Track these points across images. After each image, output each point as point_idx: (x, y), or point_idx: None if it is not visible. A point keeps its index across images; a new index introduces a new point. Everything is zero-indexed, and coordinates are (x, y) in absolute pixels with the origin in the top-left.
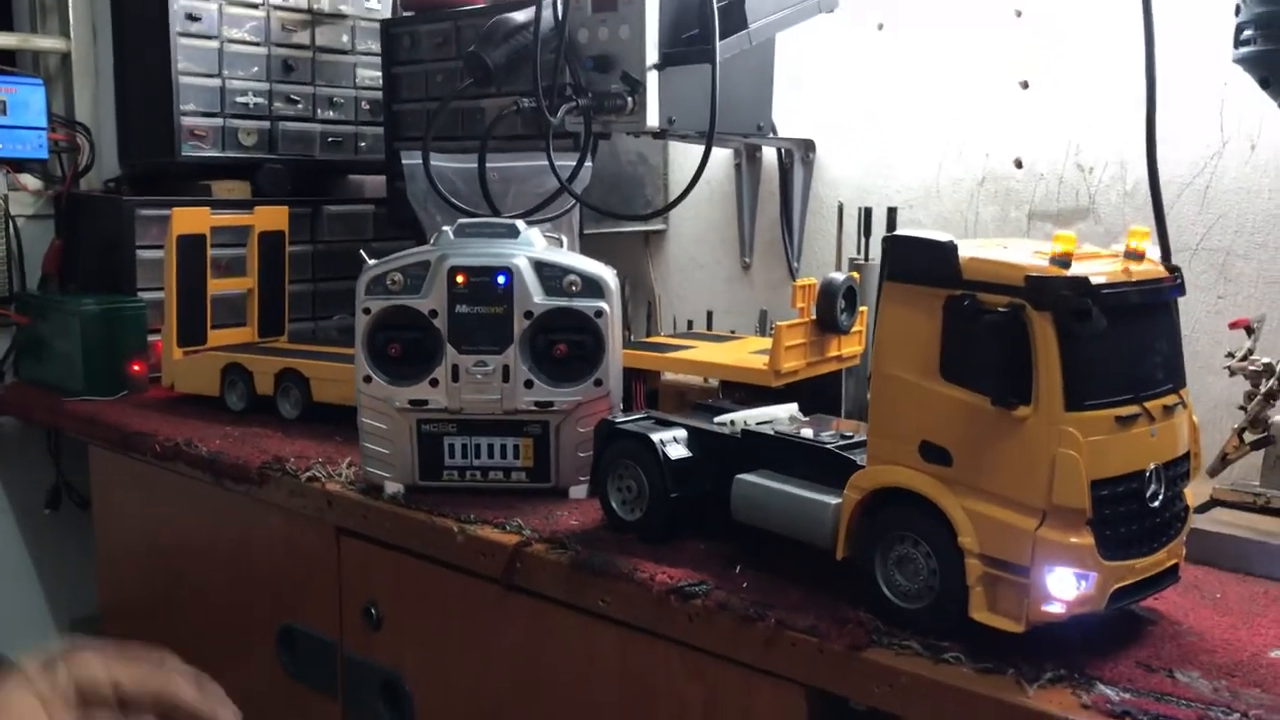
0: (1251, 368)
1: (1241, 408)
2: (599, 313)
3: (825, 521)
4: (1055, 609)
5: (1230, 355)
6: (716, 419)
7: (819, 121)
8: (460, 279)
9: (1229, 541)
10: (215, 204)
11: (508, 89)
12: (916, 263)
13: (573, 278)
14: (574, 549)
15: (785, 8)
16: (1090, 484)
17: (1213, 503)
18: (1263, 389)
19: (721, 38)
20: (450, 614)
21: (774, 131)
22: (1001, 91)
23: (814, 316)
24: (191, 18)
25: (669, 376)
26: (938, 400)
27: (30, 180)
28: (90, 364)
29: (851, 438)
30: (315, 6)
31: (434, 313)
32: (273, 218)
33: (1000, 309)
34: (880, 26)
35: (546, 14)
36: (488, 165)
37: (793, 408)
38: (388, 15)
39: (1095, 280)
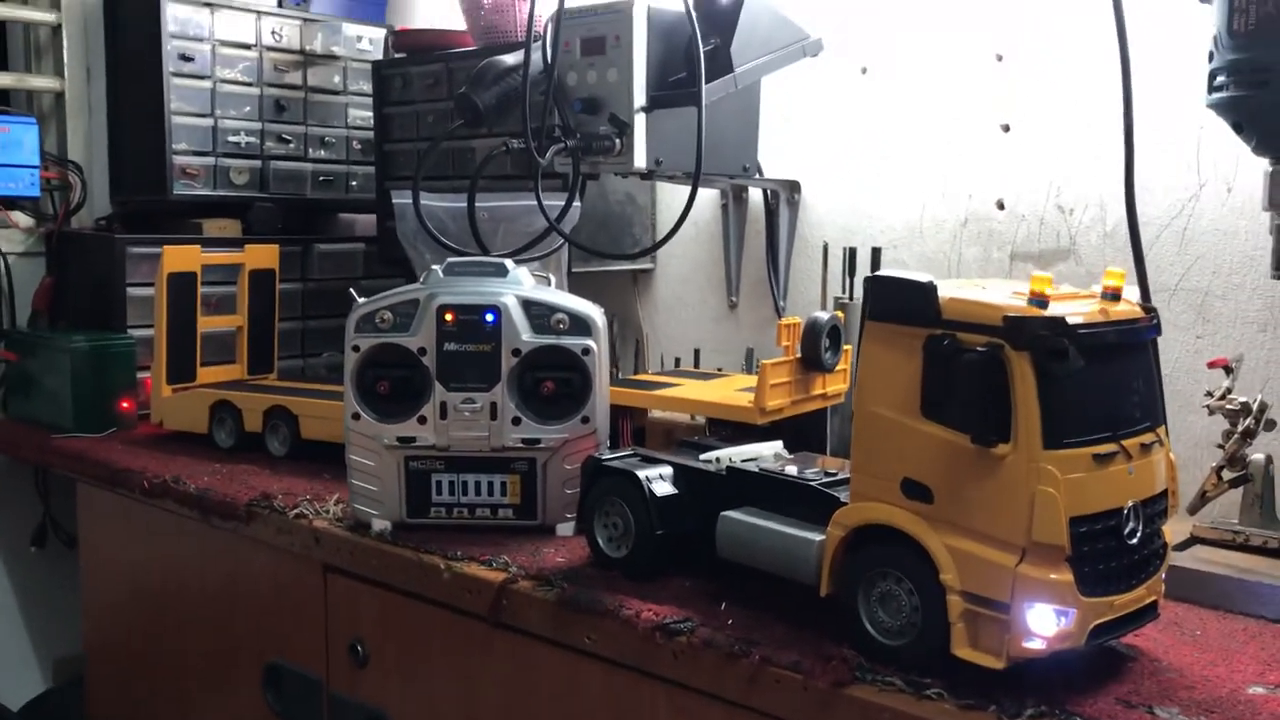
0: (1229, 406)
1: (1220, 446)
2: (586, 350)
3: (809, 558)
4: (1036, 645)
5: (1209, 394)
6: (702, 456)
7: (804, 163)
8: (449, 317)
9: (1209, 579)
10: (206, 242)
11: (498, 130)
12: (897, 303)
13: (560, 316)
14: (560, 586)
15: (770, 52)
16: (1069, 521)
17: (1193, 540)
18: (1240, 427)
19: (707, 81)
20: (436, 651)
21: (760, 173)
22: (983, 134)
23: (799, 355)
24: (185, 58)
25: (656, 414)
26: (919, 438)
27: (22, 218)
28: (79, 401)
29: (835, 475)
30: (308, 48)
31: (423, 350)
32: (263, 256)
33: (979, 348)
34: (864, 70)
35: (536, 57)
36: (477, 205)
37: (777, 445)
38: (380, 57)
39: (1072, 320)
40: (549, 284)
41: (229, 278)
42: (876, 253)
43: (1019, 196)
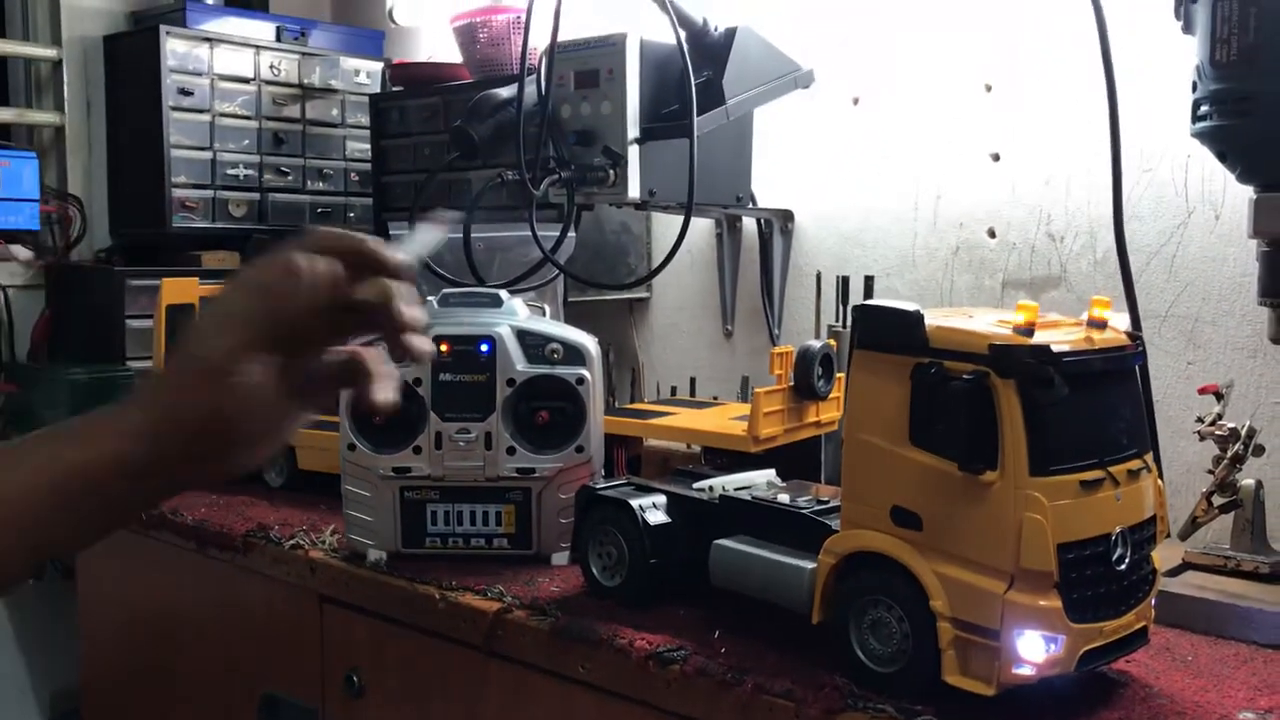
0: (1219, 432)
1: (1210, 471)
2: (580, 380)
3: (801, 586)
4: (1025, 671)
5: (1200, 420)
6: (696, 485)
7: (797, 193)
8: (444, 347)
9: (1200, 604)
10: (205, 274)
11: (493, 162)
12: (885, 331)
13: (554, 345)
14: (554, 615)
15: (762, 84)
16: (1057, 548)
17: (1184, 566)
18: (1230, 453)
19: (700, 113)
20: (431, 681)
21: (753, 202)
22: (974, 164)
23: (792, 383)
24: (184, 92)
25: (651, 442)
26: (907, 465)
27: (21, 251)
28: None
29: (828, 503)
30: (306, 81)
31: (418, 381)
32: None
33: (965, 376)
34: (855, 101)
35: (531, 90)
36: (473, 235)
37: (770, 473)
38: (377, 90)
39: (1057, 348)
40: (544, 314)
41: None
42: (869, 281)
43: (1010, 225)
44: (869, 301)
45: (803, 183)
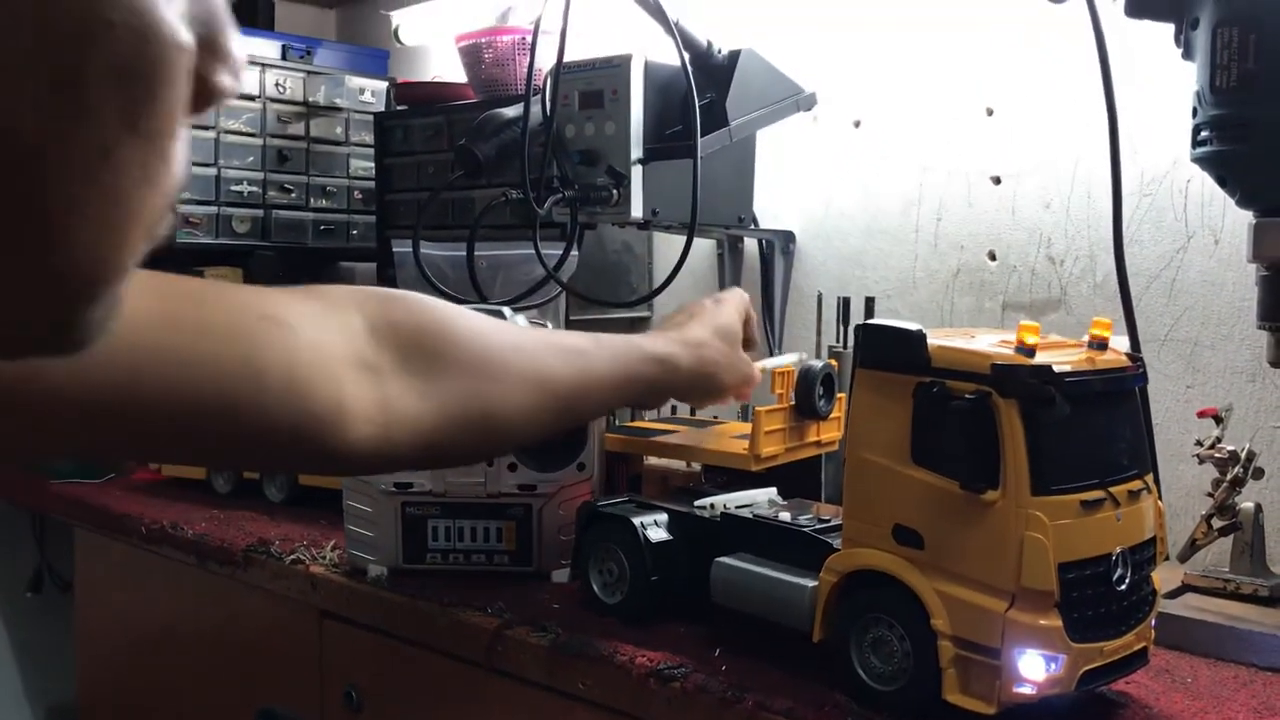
0: (1218, 455)
1: (1210, 494)
2: None
3: (802, 604)
4: (1026, 690)
5: (1199, 444)
6: (697, 503)
7: (799, 214)
8: None
9: (1200, 627)
10: None
11: (497, 180)
12: (887, 350)
13: None
14: (554, 632)
15: (765, 106)
16: (1058, 567)
17: (1184, 588)
18: (1229, 476)
19: (703, 134)
20: (431, 697)
21: (755, 223)
22: (974, 186)
23: (793, 403)
24: None
25: (652, 461)
26: (909, 484)
27: None
28: None
29: (829, 521)
30: (311, 99)
31: None
32: None
33: (967, 396)
34: (857, 124)
35: (535, 110)
36: (477, 253)
37: (771, 492)
38: (382, 108)
39: (1059, 368)
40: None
41: None
42: (870, 302)
43: (1010, 248)
44: (872, 321)
45: (804, 204)
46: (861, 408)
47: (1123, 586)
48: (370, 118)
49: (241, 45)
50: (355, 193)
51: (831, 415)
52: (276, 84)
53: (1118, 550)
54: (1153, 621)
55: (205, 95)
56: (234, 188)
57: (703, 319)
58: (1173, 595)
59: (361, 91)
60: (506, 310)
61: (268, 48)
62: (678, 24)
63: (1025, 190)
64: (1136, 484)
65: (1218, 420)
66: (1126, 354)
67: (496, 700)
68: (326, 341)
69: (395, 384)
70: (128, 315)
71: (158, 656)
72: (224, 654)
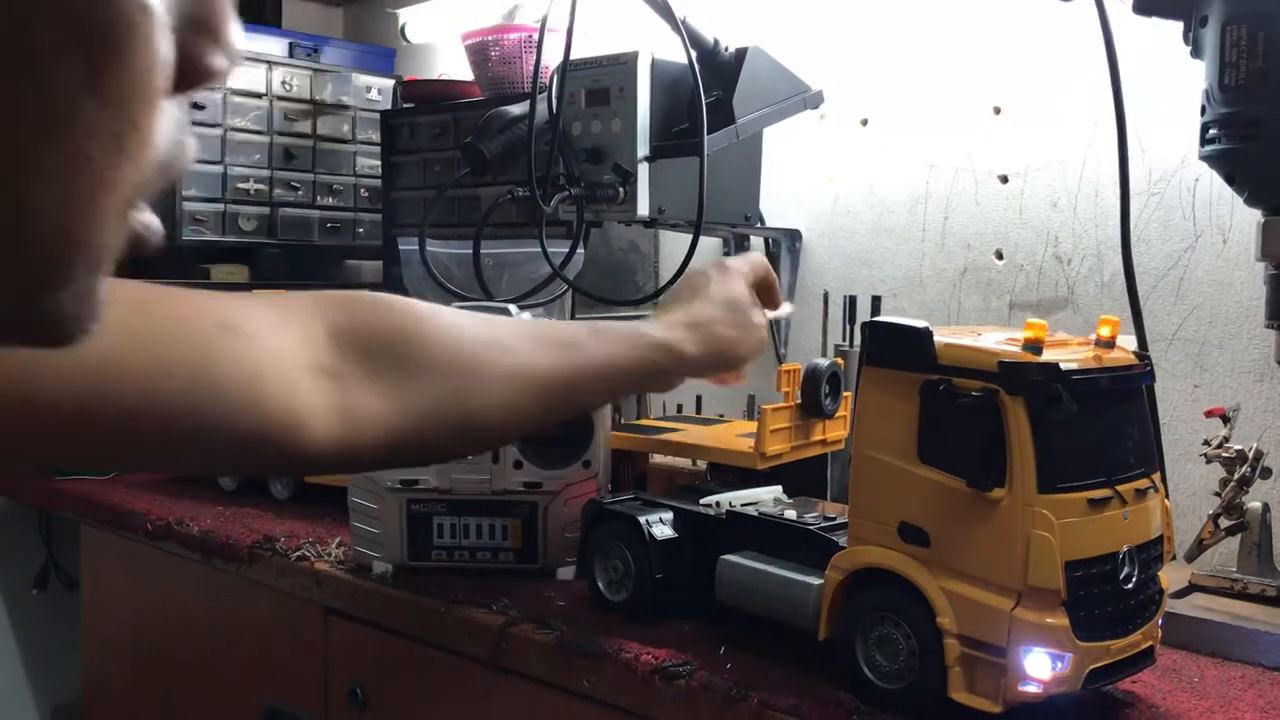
0: (1226, 455)
1: (1217, 494)
2: None
3: (807, 602)
4: (1032, 689)
5: (1206, 443)
6: (702, 501)
7: (805, 212)
8: None
9: (1207, 626)
10: (213, 287)
11: (503, 178)
12: (894, 348)
13: None
14: (559, 629)
15: (772, 104)
16: (1064, 565)
17: (1191, 588)
18: (1237, 475)
19: (710, 132)
20: (435, 694)
21: (761, 222)
22: (981, 185)
23: (799, 401)
24: (196, 106)
25: (658, 459)
26: (915, 482)
27: None
28: None
29: (834, 519)
30: (317, 97)
31: None
32: None
33: (974, 393)
34: (864, 122)
35: (542, 108)
36: (483, 251)
37: (777, 490)
38: (388, 106)
39: (1066, 366)
40: None
41: None
42: (876, 301)
43: (1017, 247)
44: (878, 318)
45: (811, 203)
46: (868, 405)
47: (1130, 585)
48: (377, 116)
49: (248, 42)
50: (361, 190)
51: (838, 414)
52: (283, 82)
53: (1125, 549)
54: (1159, 621)
55: (194, 74)
56: (240, 185)
57: (708, 293)
58: (1180, 595)
59: (368, 89)
60: (512, 308)
61: (274, 45)
62: (684, 21)
63: (1033, 189)
64: (1144, 482)
65: (1225, 419)
66: (1134, 352)
67: (501, 698)
68: (284, 349)
69: (357, 387)
70: None
71: (163, 653)
72: (229, 651)
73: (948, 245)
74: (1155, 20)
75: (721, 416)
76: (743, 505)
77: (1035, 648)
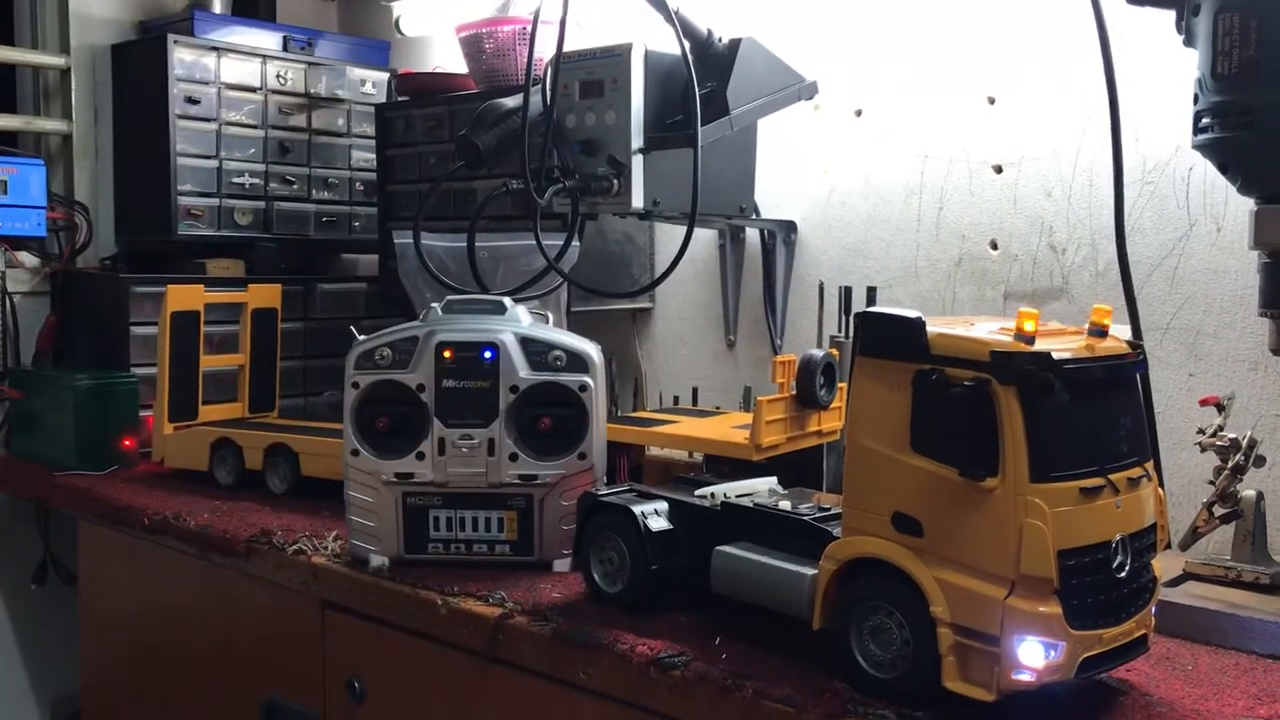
0: (1220, 443)
1: (1211, 482)
2: (583, 387)
3: (802, 592)
4: (1025, 678)
5: (1201, 432)
6: (698, 492)
7: (800, 203)
8: (447, 354)
9: (1201, 614)
10: (209, 281)
11: (498, 171)
12: (887, 338)
13: (558, 353)
14: (555, 621)
15: (766, 95)
16: (1057, 554)
17: (1185, 576)
18: (1231, 464)
19: (704, 124)
20: (432, 686)
21: (756, 213)
22: (976, 175)
23: (794, 392)
24: (191, 100)
25: (654, 451)
26: (908, 472)
27: (27, 258)
28: (82, 438)
29: (829, 510)
30: (312, 91)
31: (421, 387)
32: (266, 295)
33: (966, 383)
34: (859, 113)
35: (536, 100)
36: (478, 244)
37: (772, 481)
38: (383, 100)
39: (1058, 355)
40: (547, 322)
41: (232, 317)
42: (871, 292)
43: (1012, 237)
44: (871, 309)
45: (806, 194)
46: (861, 395)
47: (1123, 574)
48: (371, 109)
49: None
50: (357, 184)
51: (833, 405)
52: (278, 76)
53: (1118, 537)
54: (1153, 609)
55: None
56: (235, 180)
57: None
58: (1174, 583)
59: (363, 83)
60: (507, 301)
61: (269, 39)
62: (678, 13)
63: (1027, 179)
64: (1137, 471)
65: (1219, 408)
66: (1127, 341)
67: (498, 689)
68: None
69: None
70: None
71: (161, 647)
72: (227, 644)
73: (942, 236)
74: (1148, 10)
75: (717, 408)
76: (737, 496)
77: (1028, 636)
